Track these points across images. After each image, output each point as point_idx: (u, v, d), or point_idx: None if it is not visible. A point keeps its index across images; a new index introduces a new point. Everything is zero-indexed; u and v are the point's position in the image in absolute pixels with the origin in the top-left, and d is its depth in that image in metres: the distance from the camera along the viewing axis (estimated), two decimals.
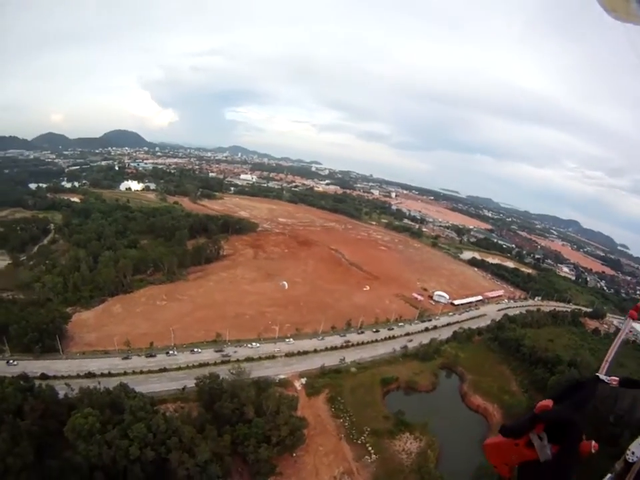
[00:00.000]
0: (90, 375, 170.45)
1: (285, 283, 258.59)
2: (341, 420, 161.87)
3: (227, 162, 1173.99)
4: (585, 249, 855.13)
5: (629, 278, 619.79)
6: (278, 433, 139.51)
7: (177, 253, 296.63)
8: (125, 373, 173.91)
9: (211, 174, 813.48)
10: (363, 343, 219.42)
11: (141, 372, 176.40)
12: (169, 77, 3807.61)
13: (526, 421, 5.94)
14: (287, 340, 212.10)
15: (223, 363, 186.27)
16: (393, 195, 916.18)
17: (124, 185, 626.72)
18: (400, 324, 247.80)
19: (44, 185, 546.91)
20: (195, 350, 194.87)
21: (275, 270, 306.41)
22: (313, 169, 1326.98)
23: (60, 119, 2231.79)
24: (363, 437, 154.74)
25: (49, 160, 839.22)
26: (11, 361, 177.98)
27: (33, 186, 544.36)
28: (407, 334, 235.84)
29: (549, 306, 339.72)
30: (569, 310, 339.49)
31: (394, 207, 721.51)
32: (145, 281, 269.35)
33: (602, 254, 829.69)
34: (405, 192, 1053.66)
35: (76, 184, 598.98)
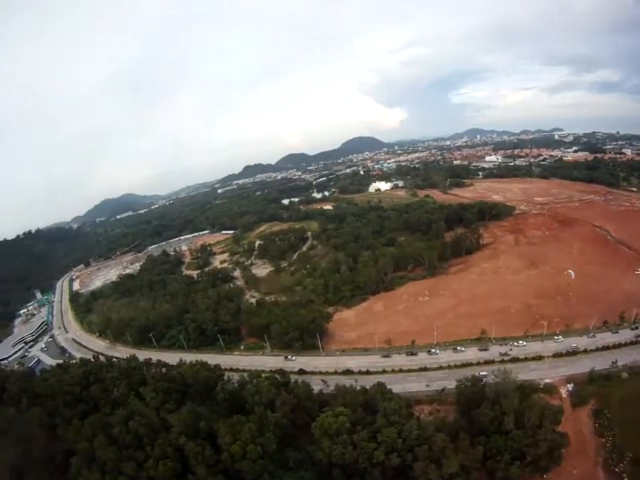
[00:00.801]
0: (347, 372, 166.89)
1: (571, 271, 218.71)
2: (603, 440, 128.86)
3: (468, 147, 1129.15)
4: None
5: None
6: (535, 451, 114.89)
7: (436, 246, 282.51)
8: (384, 371, 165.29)
9: (454, 162, 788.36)
10: (637, 342, 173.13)
11: (400, 370, 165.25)
12: (383, 77, 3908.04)
13: None
14: (556, 337, 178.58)
15: (486, 363, 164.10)
16: None
17: (372, 187, 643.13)
18: None
19: (295, 199, 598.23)
20: (458, 348, 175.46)
21: (539, 256, 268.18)
22: (556, 137, 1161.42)
23: (297, 140, 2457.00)
24: (621, 464, 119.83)
25: (296, 177, 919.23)
26: (289, 356, 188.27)
27: (285, 201, 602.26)
28: None
29: None
30: None
31: None
32: (406, 277, 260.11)
33: None
34: None
35: (326, 193, 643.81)
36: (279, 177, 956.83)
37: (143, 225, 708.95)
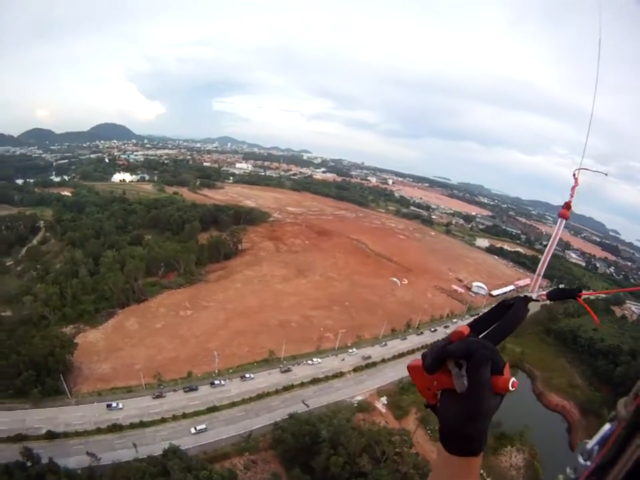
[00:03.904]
0: (115, 428, 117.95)
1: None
2: None
3: (218, 152, 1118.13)
4: (582, 235, 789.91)
5: (629, 264, 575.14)
6: None
7: (193, 249, 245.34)
8: (163, 420, 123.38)
9: (205, 163, 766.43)
10: (426, 346, 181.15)
11: (184, 415, 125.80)
12: (154, 68, 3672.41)
13: (438, 351, 4.51)
14: (350, 350, 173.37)
15: (285, 389, 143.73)
16: (390, 182, 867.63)
17: (116, 177, 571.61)
18: (453, 320, 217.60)
19: (31, 180, 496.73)
20: (247, 376, 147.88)
21: (304, 264, 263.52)
22: (304, 158, 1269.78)
23: (46, 114, 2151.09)
24: None
25: (36, 155, 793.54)
26: (114, 404, 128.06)
27: (19, 181, 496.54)
28: None
29: None
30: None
31: (397, 194, 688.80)
32: (159, 284, 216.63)
33: (597, 239, 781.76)
34: (399, 179, 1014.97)
35: (65, 177, 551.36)
36: (17, 153, 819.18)
37: None
